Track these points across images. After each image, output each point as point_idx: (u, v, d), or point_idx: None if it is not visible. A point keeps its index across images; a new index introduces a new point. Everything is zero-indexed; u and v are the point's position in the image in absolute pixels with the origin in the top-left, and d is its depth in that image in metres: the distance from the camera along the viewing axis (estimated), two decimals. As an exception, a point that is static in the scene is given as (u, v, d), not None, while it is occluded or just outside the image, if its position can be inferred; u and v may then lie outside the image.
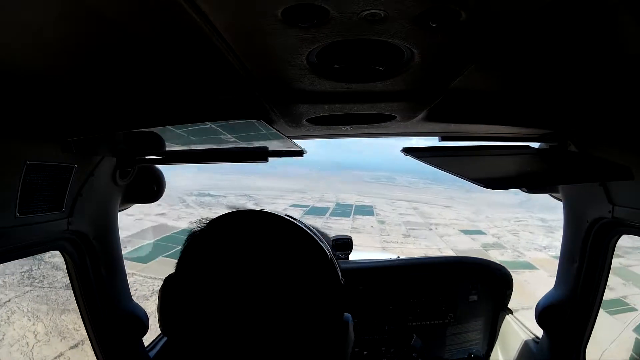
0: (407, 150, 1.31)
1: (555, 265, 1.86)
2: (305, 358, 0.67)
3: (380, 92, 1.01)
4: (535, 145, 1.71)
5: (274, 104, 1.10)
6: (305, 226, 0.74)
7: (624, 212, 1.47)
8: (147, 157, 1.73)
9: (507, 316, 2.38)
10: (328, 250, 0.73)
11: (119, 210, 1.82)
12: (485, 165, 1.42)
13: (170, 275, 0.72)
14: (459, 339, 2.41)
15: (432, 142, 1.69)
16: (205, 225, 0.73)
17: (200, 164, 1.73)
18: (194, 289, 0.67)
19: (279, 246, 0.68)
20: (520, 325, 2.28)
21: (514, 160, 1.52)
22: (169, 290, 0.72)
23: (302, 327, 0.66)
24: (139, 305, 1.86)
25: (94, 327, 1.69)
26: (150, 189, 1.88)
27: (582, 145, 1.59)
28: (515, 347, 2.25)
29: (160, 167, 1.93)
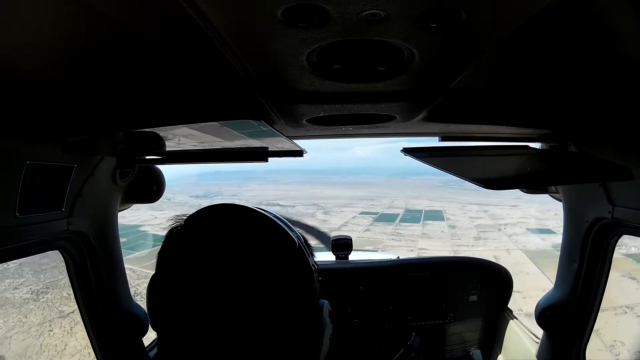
0: (407, 151, 1.31)
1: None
2: (279, 342, 0.71)
3: (380, 93, 1.01)
4: (536, 145, 1.71)
5: (274, 104, 1.10)
6: (276, 217, 0.78)
7: (623, 212, 1.47)
8: (147, 157, 1.73)
9: (506, 316, 2.38)
10: (297, 238, 0.77)
11: (119, 210, 1.83)
12: (485, 165, 1.42)
13: (154, 274, 0.75)
14: (458, 339, 2.41)
15: (433, 142, 1.69)
16: (182, 222, 0.77)
17: (200, 164, 1.73)
18: (176, 284, 0.71)
19: (249, 238, 0.73)
20: (520, 325, 2.28)
21: (514, 161, 1.52)
22: (154, 287, 0.75)
23: (274, 313, 0.70)
24: (139, 305, 1.86)
25: (94, 327, 1.69)
26: (150, 189, 1.88)
27: (582, 146, 1.59)
28: (515, 347, 2.25)
29: (161, 166, 1.93)
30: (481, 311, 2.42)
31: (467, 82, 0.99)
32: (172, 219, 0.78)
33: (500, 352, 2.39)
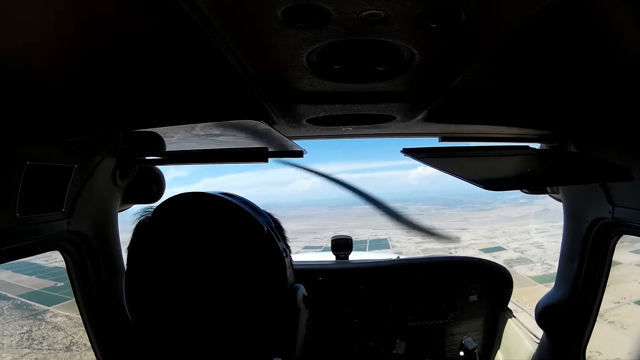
0: (407, 151, 1.31)
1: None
2: (253, 329, 0.72)
3: (380, 93, 1.01)
4: (536, 146, 1.70)
5: (274, 104, 1.10)
6: (244, 203, 0.79)
7: (624, 212, 1.47)
8: (147, 157, 1.73)
9: (506, 316, 2.38)
10: (266, 223, 0.77)
11: (119, 211, 1.82)
12: (485, 166, 1.42)
13: (128, 266, 0.76)
14: (459, 339, 2.40)
15: (433, 142, 1.69)
16: (150, 214, 0.77)
17: (201, 164, 1.73)
18: (149, 276, 0.72)
19: (216, 227, 0.73)
20: (520, 325, 2.28)
21: (514, 161, 1.52)
22: (129, 280, 0.76)
23: (245, 300, 0.71)
24: None
25: (94, 327, 1.69)
26: (150, 189, 1.88)
27: (582, 146, 1.59)
28: (515, 347, 2.25)
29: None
30: (481, 311, 2.42)
31: (467, 83, 0.99)
32: (140, 212, 0.79)
33: (500, 352, 2.39)
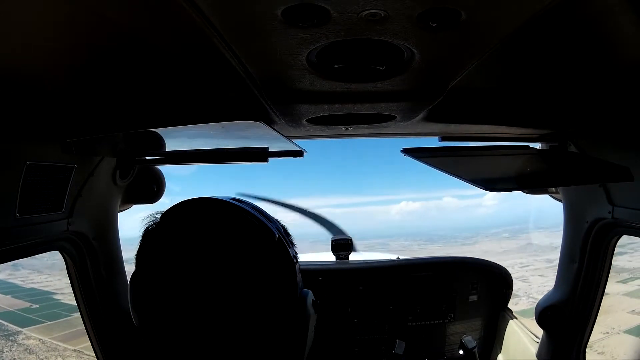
0: (407, 151, 1.31)
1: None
2: (264, 335, 0.71)
3: (380, 92, 1.01)
4: (536, 145, 1.71)
5: (274, 104, 1.10)
6: (254, 209, 0.78)
7: (624, 212, 1.47)
8: (147, 157, 1.73)
9: (506, 316, 2.38)
10: (276, 229, 0.76)
11: (119, 211, 1.82)
12: (485, 165, 1.42)
13: (134, 273, 0.75)
14: (458, 339, 2.40)
15: (433, 142, 1.69)
16: (158, 219, 0.76)
17: (201, 164, 1.73)
18: (157, 282, 0.71)
19: (227, 233, 0.72)
20: (520, 325, 2.28)
21: (514, 161, 1.52)
22: (135, 285, 0.75)
23: (257, 306, 0.70)
24: None
25: (94, 327, 1.69)
26: (150, 189, 1.88)
27: (582, 146, 1.59)
28: (515, 347, 2.25)
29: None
30: (481, 311, 2.41)
31: (467, 82, 0.99)
32: (147, 217, 0.78)
33: (500, 352, 2.39)
